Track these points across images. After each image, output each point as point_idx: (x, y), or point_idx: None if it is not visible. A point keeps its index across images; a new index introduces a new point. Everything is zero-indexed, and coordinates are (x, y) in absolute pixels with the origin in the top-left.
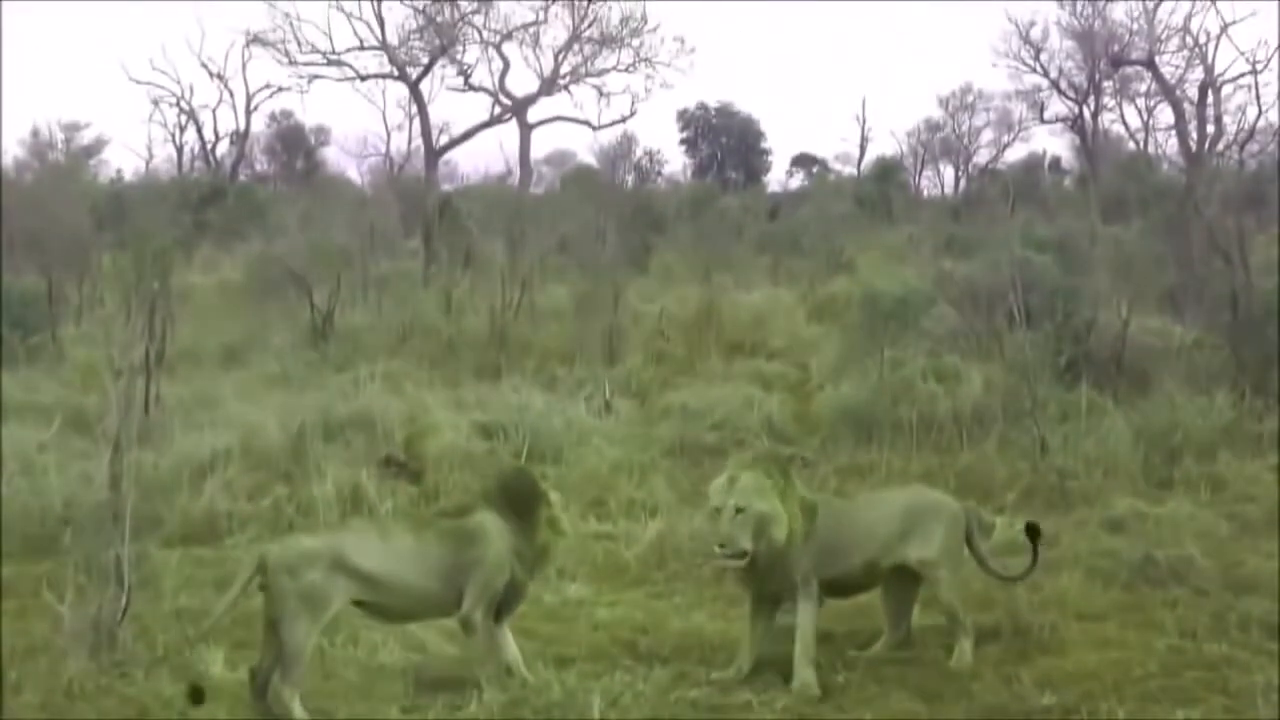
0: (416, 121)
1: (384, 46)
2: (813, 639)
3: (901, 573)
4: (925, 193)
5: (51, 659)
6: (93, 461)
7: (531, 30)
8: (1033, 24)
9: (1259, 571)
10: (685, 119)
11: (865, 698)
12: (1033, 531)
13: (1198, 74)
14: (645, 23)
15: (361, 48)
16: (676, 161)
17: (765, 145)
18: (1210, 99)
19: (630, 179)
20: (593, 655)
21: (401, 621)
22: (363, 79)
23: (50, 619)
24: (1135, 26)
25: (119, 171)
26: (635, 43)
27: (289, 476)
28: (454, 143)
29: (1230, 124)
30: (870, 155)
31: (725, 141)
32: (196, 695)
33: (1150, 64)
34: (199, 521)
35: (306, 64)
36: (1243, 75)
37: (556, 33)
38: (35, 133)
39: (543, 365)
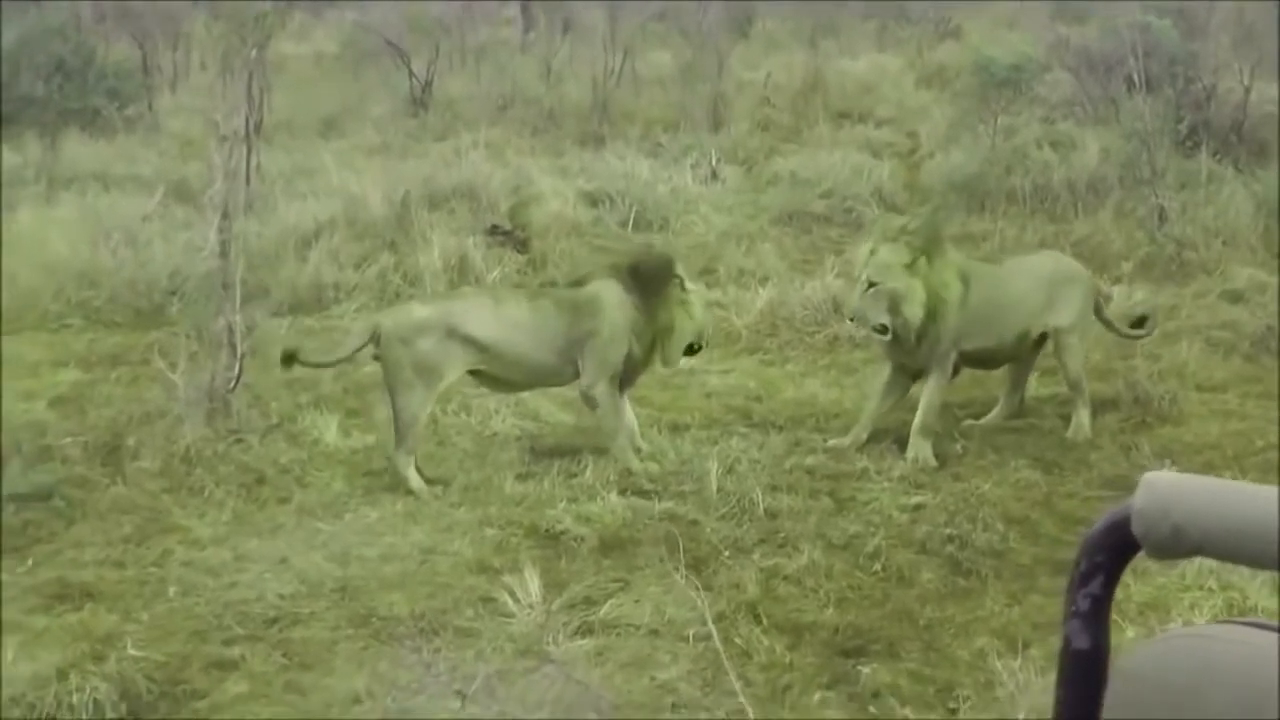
0: None
1: None
2: (936, 412)
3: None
4: None
5: (167, 426)
6: (196, 231)
7: None
8: None
9: None
10: None
11: (982, 467)
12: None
13: None
14: None
15: None
16: None
17: None
18: None
19: None
20: (706, 423)
21: (515, 390)
22: None
23: (164, 387)
24: None
25: None
26: None
27: (394, 246)
28: None
29: None
30: None
31: None
32: (289, 358)
33: None
34: (305, 291)
35: None
36: None
37: None
38: None
39: (646, 133)
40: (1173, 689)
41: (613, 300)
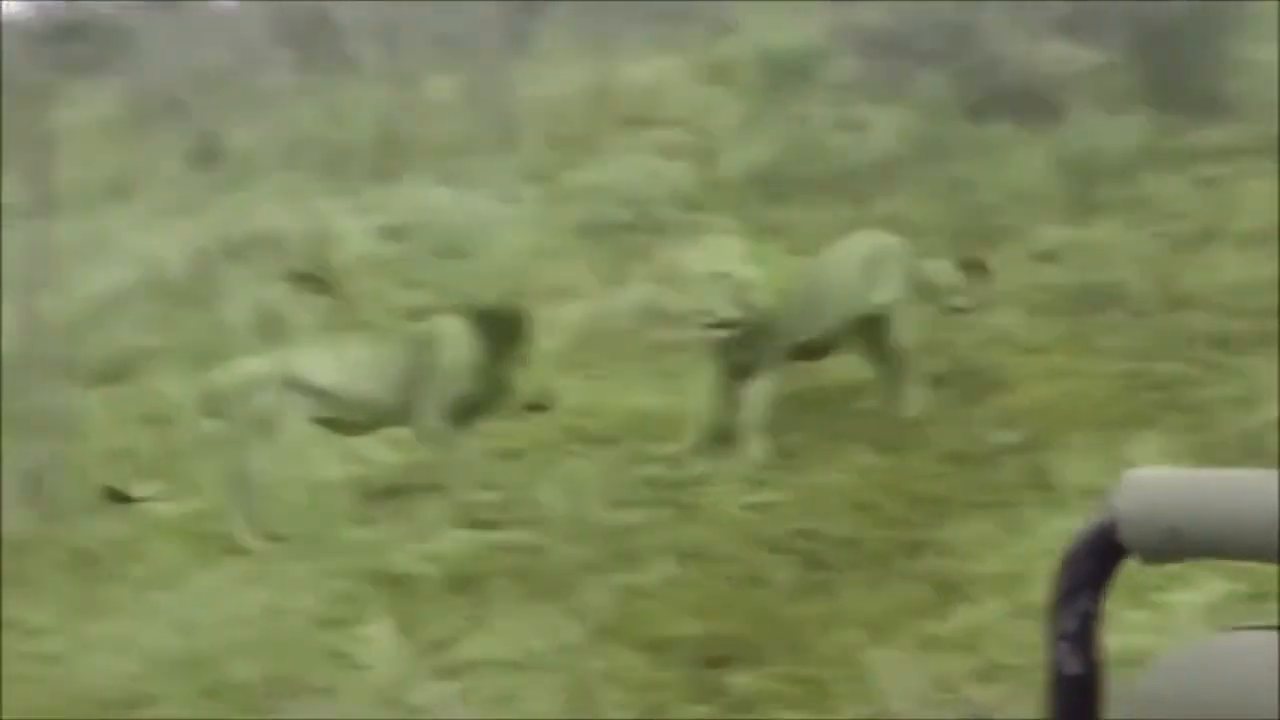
0: None
1: None
2: (769, 407)
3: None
4: None
5: None
6: None
7: None
8: None
9: (1198, 286)
10: None
11: (822, 457)
12: (975, 265)
13: None
14: None
15: None
16: None
17: None
18: None
19: None
20: (539, 446)
21: (361, 433)
22: None
23: None
24: None
25: None
26: None
27: (199, 304)
28: None
29: None
30: None
31: None
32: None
33: None
34: (114, 360)
35: None
36: None
37: None
38: None
39: (439, 161)
40: (1183, 706)
41: (454, 335)
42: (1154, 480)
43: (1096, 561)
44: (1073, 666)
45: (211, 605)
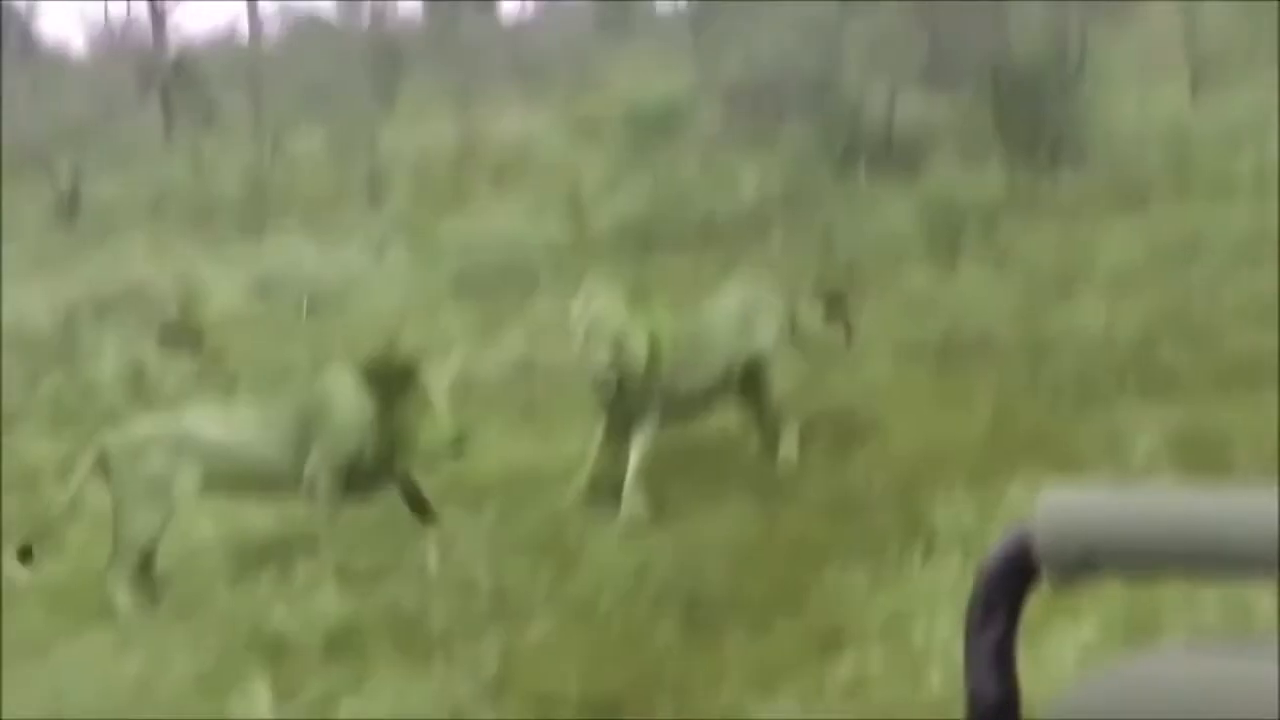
0: None
1: None
2: (649, 461)
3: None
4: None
5: None
6: None
7: None
8: None
9: (1062, 332)
10: None
11: (703, 507)
12: (835, 298)
13: None
14: None
15: None
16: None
17: None
18: None
19: (367, 19)
20: None
21: (254, 495)
22: None
23: None
24: None
25: None
26: None
27: (63, 361)
28: None
29: None
30: None
31: None
32: (25, 554)
33: None
34: None
35: None
36: None
37: None
38: None
39: (306, 216)
40: None
41: (343, 392)
42: (1070, 501)
43: (1011, 582)
44: (990, 692)
45: (82, 674)
